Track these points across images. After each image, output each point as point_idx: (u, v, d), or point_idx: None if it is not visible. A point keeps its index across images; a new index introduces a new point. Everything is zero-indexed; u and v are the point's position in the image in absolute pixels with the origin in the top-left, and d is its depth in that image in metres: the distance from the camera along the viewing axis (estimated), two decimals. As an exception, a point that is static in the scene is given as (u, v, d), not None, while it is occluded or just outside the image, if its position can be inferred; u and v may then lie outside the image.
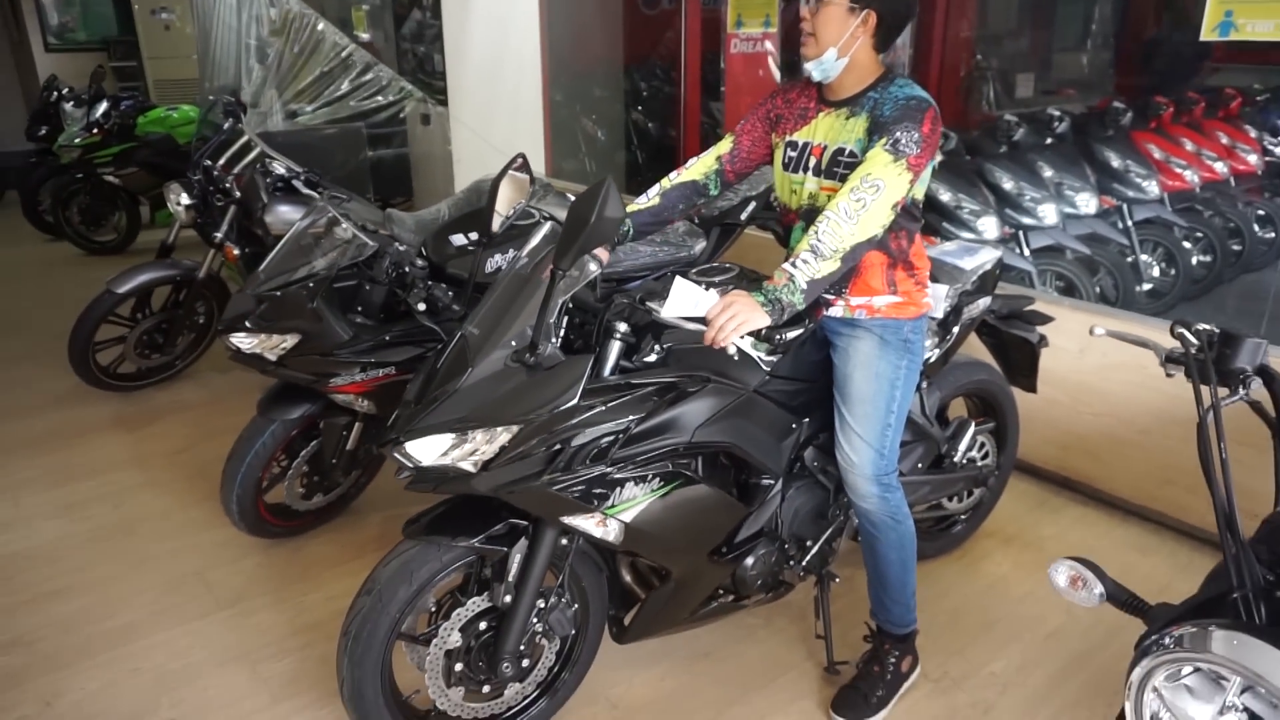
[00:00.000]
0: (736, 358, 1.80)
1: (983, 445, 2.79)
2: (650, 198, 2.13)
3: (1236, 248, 4.86)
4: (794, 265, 1.76)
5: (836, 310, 2.05)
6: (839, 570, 2.42)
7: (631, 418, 1.79)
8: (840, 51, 1.85)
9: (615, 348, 1.84)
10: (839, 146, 1.91)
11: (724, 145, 2.14)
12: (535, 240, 1.96)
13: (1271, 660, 1.06)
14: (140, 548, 2.96)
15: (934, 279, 2.29)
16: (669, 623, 2.17)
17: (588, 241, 1.66)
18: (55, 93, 6.69)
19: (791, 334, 1.98)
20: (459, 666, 1.97)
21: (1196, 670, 1.15)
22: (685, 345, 1.90)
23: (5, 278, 6.09)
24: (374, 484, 3.16)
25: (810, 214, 1.99)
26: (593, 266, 1.79)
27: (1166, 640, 1.17)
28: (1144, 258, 4.65)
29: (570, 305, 1.88)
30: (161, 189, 4.39)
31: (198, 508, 3.18)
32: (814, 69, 1.90)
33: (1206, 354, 1.43)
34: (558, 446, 1.73)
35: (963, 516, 2.90)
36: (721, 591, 2.20)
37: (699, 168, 2.14)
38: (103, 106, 6.06)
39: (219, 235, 3.72)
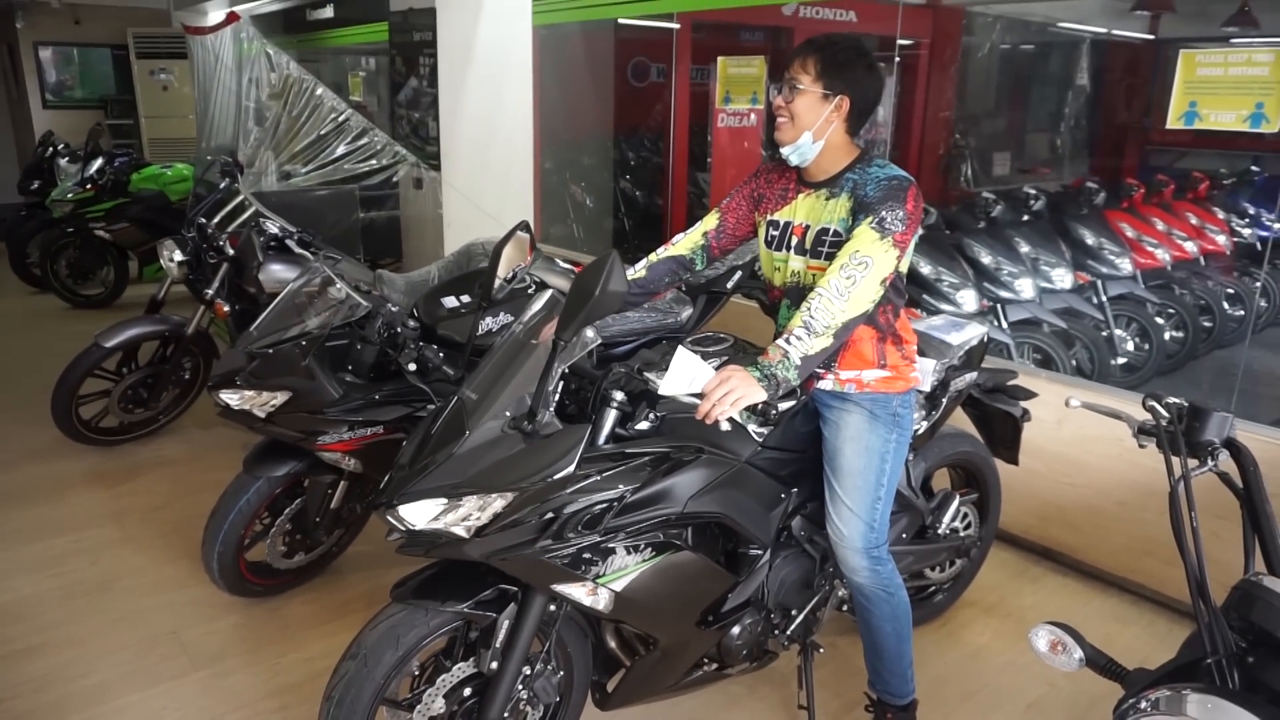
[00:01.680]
0: (729, 429, 1.83)
1: (965, 516, 2.82)
2: (638, 270, 2.18)
3: (1208, 324, 5.00)
4: (788, 341, 1.78)
5: (827, 383, 2.08)
6: (822, 639, 2.42)
7: (626, 488, 1.81)
8: (815, 135, 1.93)
9: (611, 416, 1.86)
10: (822, 227, 1.97)
11: (710, 221, 2.20)
12: (535, 308, 1.99)
13: (1244, 724, 1.09)
14: (116, 605, 2.92)
15: (922, 353, 2.34)
16: (653, 690, 2.16)
17: (591, 314, 1.70)
18: (51, 148, 6.78)
19: (784, 406, 2.00)
20: (442, 733, 1.95)
21: (1173, 734, 1.18)
22: (679, 414, 1.93)
23: (-12, 329, 6.08)
24: (355, 544, 3.14)
25: (796, 291, 2.05)
26: (590, 334, 1.82)
27: (1143, 704, 1.20)
28: (1118, 332, 4.77)
29: (566, 371, 1.91)
30: (151, 245, 4.44)
31: (175, 565, 3.15)
32: (791, 153, 1.97)
33: (1176, 426, 1.48)
34: (551, 515, 1.74)
35: (945, 586, 2.92)
36: (706, 660, 2.19)
37: (685, 243, 2.20)
38: (98, 163, 6.13)
39: (210, 292, 3.75)
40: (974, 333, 2.58)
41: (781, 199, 2.07)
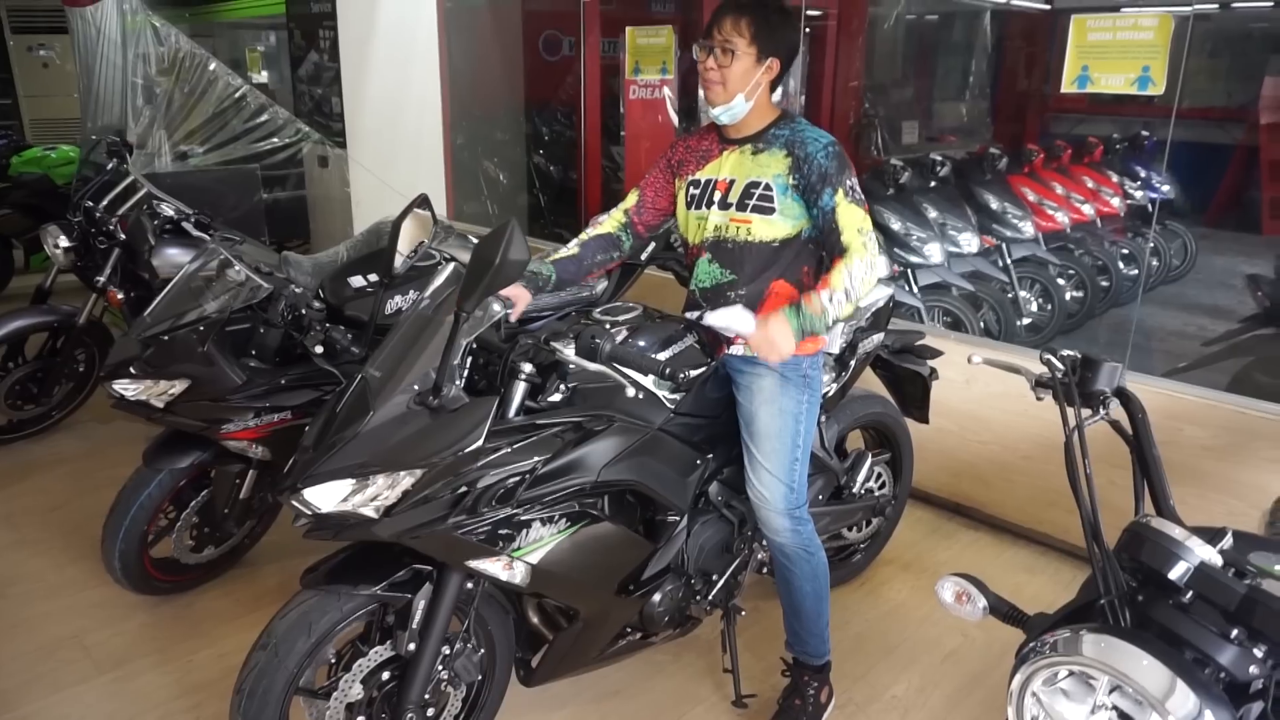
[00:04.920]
0: (640, 396, 1.82)
1: (879, 475, 2.89)
2: (570, 248, 2.20)
3: (1105, 284, 5.21)
4: (830, 300, 1.86)
5: (738, 349, 2.10)
6: (744, 603, 2.45)
7: (537, 459, 1.79)
8: (747, 96, 1.96)
9: (520, 388, 1.84)
10: (753, 180, 2.00)
11: (630, 199, 2.23)
12: (438, 281, 1.95)
13: (1135, 660, 1.14)
14: (11, 612, 2.77)
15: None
16: (577, 663, 2.15)
17: (492, 283, 1.67)
18: (-81, 131, 6.32)
19: (695, 372, 2.01)
20: None
21: (1070, 674, 1.22)
22: (590, 385, 1.91)
23: None
24: (270, 533, 3.04)
25: (716, 246, 2.07)
26: (496, 307, 1.79)
27: (1043, 646, 1.24)
28: (1023, 294, 4.93)
29: (474, 346, 1.87)
30: (37, 232, 4.18)
31: (75, 567, 3.00)
32: (723, 114, 1.99)
33: (1070, 378, 1.54)
34: (463, 490, 1.71)
35: (862, 545, 2.99)
36: (629, 629, 2.20)
37: (610, 222, 2.23)
38: (-28, 146, 5.76)
39: (101, 279, 3.56)
40: (880, 294, 2.63)
41: (704, 158, 2.10)
